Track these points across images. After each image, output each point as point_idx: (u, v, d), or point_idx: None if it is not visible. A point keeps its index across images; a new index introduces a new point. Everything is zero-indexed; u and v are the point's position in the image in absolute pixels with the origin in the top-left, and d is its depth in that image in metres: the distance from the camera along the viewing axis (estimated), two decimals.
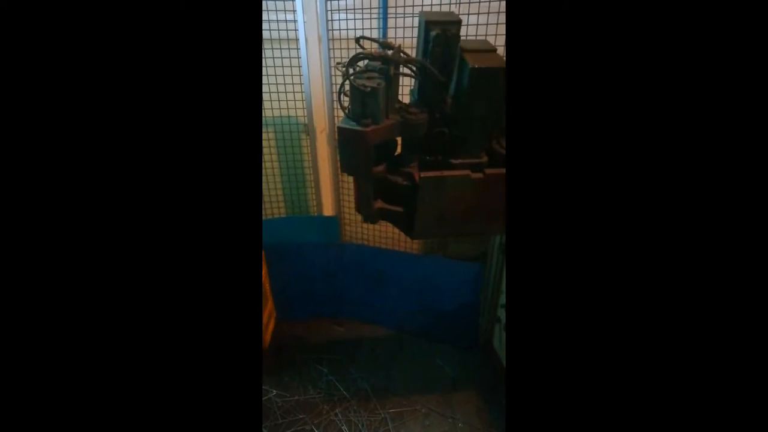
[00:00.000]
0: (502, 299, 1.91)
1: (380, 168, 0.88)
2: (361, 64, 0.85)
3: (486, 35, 1.60)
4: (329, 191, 2.11)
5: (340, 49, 1.79)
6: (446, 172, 0.82)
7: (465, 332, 2.17)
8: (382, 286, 2.27)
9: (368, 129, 0.78)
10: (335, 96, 1.87)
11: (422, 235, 0.94)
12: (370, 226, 2.19)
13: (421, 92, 0.92)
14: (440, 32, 0.79)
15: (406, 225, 0.94)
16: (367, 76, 0.80)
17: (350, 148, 0.81)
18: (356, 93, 0.77)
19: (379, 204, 0.94)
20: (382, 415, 1.83)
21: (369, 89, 0.75)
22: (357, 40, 0.87)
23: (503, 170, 0.82)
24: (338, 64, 0.95)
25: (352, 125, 0.79)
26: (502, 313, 1.92)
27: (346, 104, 0.84)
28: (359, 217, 2.24)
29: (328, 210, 2.16)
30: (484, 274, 1.99)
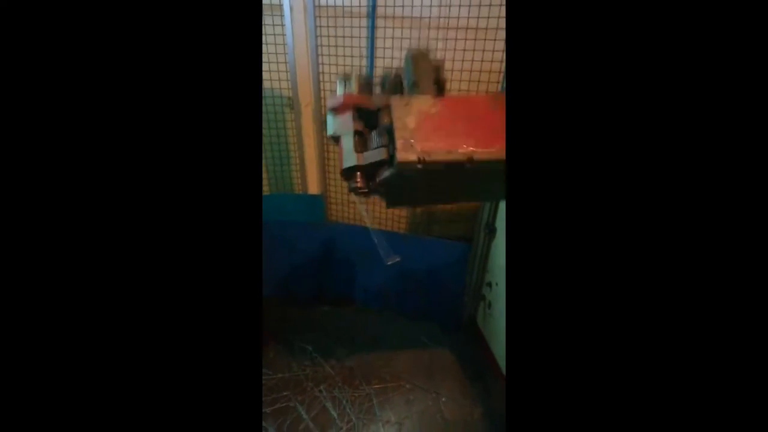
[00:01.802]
0: (488, 278, 1.93)
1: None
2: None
3: (487, 27, 1.56)
4: (314, 168, 2.06)
5: (327, 17, 1.71)
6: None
7: (450, 311, 2.19)
8: (368, 265, 2.26)
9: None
10: (321, 69, 1.80)
11: (397, 202, 0.94)
12: (355, 206, 2.16)
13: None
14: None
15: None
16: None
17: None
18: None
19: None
20: (367, 391, 1.85)
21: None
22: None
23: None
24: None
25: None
26: (487, 291, 1.94)
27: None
28: (345, 196, 2.22)
29: (313, 188, 2.12)
30: (470, 254, 2.00)
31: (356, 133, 0.86)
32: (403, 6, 1.63)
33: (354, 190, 0.86)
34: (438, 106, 0.82)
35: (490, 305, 1.91)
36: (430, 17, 1.64)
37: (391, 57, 1.73)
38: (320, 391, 1.84)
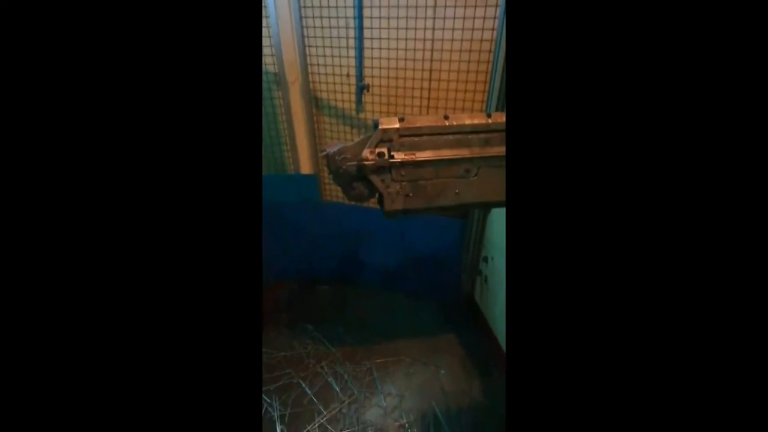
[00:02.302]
0: (483, 252, 1.92)
1: None
2: None
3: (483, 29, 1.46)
4: (305, 147, 2.02)
5: None
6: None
7: (448, 287, 2.21)
8: (365, 244, 2.26)
9: None
10: (307, 43, 1.72)
11: (395, 209, 0.93)
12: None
13: None
14: None
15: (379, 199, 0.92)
16: None
17: None
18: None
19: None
20: (367, 366, 1.89)
21: None
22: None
23: None
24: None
25: None
26: (483, 267, 1.94)
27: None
28: None
29: (305, 168, 2.08)
30: (466, 230, 1.98)
31: None
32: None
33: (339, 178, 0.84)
34: None
35: (486, 279, 1.92)
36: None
37: (378, 29, 1.65)
38: (322, 368, 1.88)
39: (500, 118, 0.78)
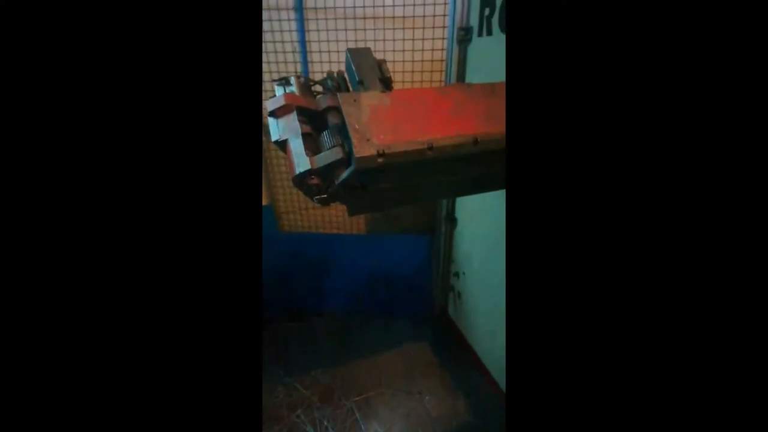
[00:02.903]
0: (454, 268, 1.91)
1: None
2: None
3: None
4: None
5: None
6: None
7: (421, 305, 2.16)
8: (330, 271, 2.15)
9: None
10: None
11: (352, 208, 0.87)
12: (309, 213, 2.04)
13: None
14: None
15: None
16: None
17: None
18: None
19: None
20: (347, 406, 1.76)
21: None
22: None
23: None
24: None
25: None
26: (455, 282, 1.93)
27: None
28: (296, 205, 2.08)
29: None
30: (433, 245, 1.96)
31: (304, 135, 0.76)
32: None
33: (312, 195, 0.76)
34: (388, 99, 0.76)
35: (459, 295, 1.90)
36: (354, 7, 1.54)
37: (318, 52, 1.60)
38: (298, 417, 1.72)
39: (486, 127, 0.75)
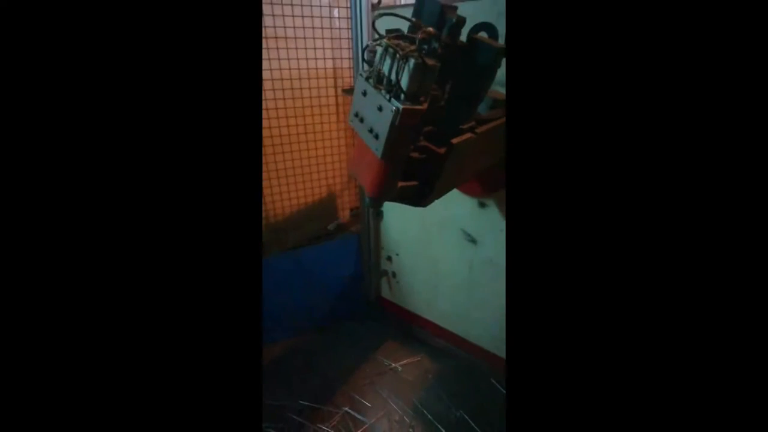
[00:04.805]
0: (385, 254, 2.20)
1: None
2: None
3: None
4: None
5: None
6: (465, 136, 0.98)
7: (359, 302, 2.33)
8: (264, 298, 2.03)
9: (423, 108, 0.78)
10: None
11: (437, 197, 1.06)
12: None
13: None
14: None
15: (419, 196, 1.02)
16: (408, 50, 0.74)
17: (407, 130, 0.80)
18: (418, 69, 0.75)
19: (399, 184, 0.97)
20: (341, 413, 1.77)
21: (429, 65, 0.74)
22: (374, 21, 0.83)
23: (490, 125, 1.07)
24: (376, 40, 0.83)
25: (407, 104, 0.78)
26: (388, 266, 2.22)
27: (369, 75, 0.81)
28: None
29: None
30: (359, 243, 2.18)
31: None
32: None
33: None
34: None
35: (394, 275, 2.21)
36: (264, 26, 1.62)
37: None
38: None
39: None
